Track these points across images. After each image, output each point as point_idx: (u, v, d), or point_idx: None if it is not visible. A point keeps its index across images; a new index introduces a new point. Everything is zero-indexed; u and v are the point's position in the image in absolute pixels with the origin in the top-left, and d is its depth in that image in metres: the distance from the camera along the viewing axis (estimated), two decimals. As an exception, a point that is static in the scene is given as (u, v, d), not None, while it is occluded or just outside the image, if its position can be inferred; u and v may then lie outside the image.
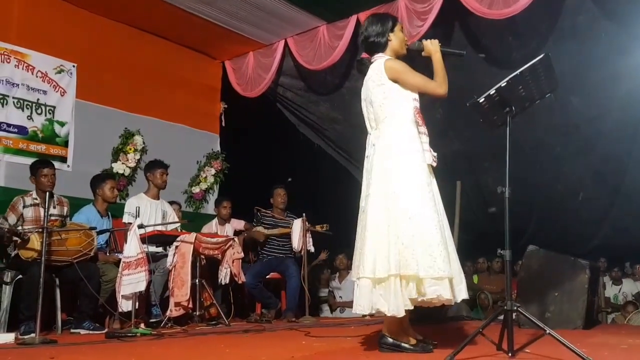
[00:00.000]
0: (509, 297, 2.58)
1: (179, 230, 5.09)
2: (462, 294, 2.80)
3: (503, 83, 2.62)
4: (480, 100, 2.67)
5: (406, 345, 2.79)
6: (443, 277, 2.65)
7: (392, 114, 2.92)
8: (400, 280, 2.69)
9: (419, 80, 2.93)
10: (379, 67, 2.95)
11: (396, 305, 2.67)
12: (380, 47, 3.03)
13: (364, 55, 3.15)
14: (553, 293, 4.45)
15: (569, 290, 4.44)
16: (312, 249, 5.79)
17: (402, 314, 2.68)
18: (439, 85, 2.92)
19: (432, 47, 2.99)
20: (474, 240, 6.90)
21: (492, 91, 2.64)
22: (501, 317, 2.62)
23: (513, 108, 2.69)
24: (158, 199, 5.25)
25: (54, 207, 4.62)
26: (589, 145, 6.06)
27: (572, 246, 5.84)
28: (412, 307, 2.70)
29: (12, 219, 4.39)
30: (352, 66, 6.34)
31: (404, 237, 2.70)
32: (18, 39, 5.38)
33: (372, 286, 2.74)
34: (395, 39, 3.03)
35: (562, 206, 6.64)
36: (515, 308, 2.55)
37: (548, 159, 6.29)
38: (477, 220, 6.97)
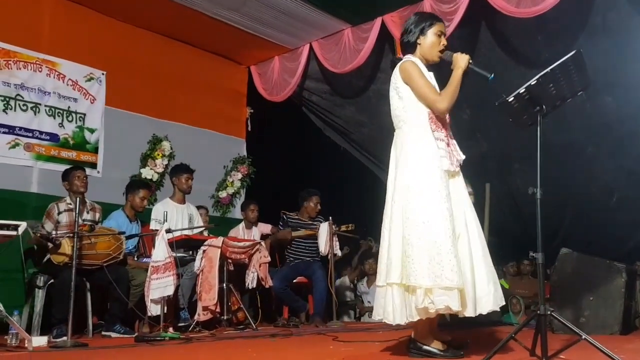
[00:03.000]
0: (542, 302, 2.51)
1: (207, 235, 5.12)
2: (488, 305, 2.68)
3: (533, 81, 2.55)
4: (510, 100, 2.60)
5: (436, 350, 2.74)
6: (452, 287, 2.56)
7: (405, 119, 2.86)
8: (402, 289, 2.67)
9: (423, 88, 2.79)
10: (397, 69, 2.89)
11: (392, 313, 2.68)
12: (410, 48, 2.95)
13: (400, 54, 3.07)
14: (588, 297, 4.33)
15: (605, 295, 4.31)
16: (339, 253, 5.76)
17: (397, 322, 2.67)
18: (441, 100, 2.77)
19: (460, 61, 2.81)
20: (504, 243, 6.77)
21: (521, 90, 2.57)
22: (534, 321, 2.55)
23: (544, 107, 2.62)
24: (184, 203, 5.30)
25: (87, 213, 4.70)
26: (622, 144, 5.91)
27: (606, 249, 5.67)
28: (417, 318, 2.63)
29: (48, 226, 4.49)
30: (378, 69, 6.31)
31: (409, 247, 2.64)
32: (49, 48, 5.48)
33: (380, 293, 2.79)
34: (425, 43, 2.90)
35: (595, 208, 6.47)
36: (549, 313, 2.48)
37: (580, 159, 6.14)
38: (507, 222, 6.85)
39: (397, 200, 2.78)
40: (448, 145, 2.84)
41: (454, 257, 2.59)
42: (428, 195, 2.69)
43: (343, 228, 5.75)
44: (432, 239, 2.62)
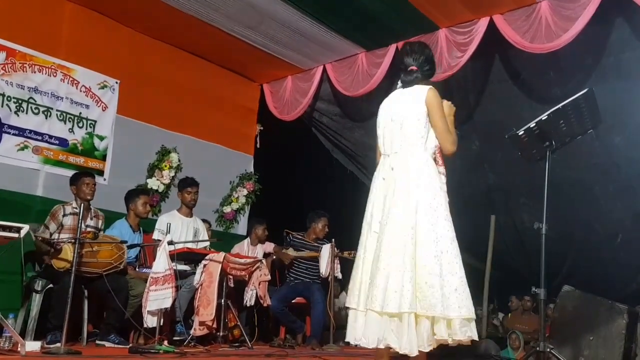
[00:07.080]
0: (543, 338, 2.49)
1: (208, 249, 5.10)
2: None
3: (544, 116, 2.57)
4: (520, 133, 2.62)
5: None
6: (471, 318, 2.56)
7: (418, 142, 2.81)
8: (421, 319, 2.56)
9: (442, 124, 2.80)
10: (422, 90, 2.84)
11: (409, 344, 2.52)
12: (425, 79, 2.96)
13: (413, 67, 2.96)
14: (588, 337, 4.27)
15: (605, 335, 4.25)
16: (340, 276, 5.72)
17: (414, 353, 2.52)
18: (453, 142, 2.81)
19: (450, 109, 2.92)
20: (505, 277, 6.72)
21: (532, 124, 2.59)
22: (532, 358, 2.52)
23: (553, 142, 2.63)
24: (191, 216, 5.30)
25: (91, 219, 4.70)
26: (629, 186, 5.89)
27: (609, 289, 5.62)
28: (429, 349, 2.54)
29: (52, 227, 4.49)
30: (390, 94, 6.33)
31: (429, 277, 2.57)
32: (65, 54, 5.54)
33: (382, 320, 2.61)
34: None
35: (600, 247, 6.43)
36: (548, 350, 2.46)
37: (586, 197, 6.12)
38: (510, 256, 6.80)
39: (402, 225, 2.67)
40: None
41: (467, 287, 2.60)
42: (445, 225, 2.67)
43: (345, 254, 5.70)
44: (451, 270, 2.59)
